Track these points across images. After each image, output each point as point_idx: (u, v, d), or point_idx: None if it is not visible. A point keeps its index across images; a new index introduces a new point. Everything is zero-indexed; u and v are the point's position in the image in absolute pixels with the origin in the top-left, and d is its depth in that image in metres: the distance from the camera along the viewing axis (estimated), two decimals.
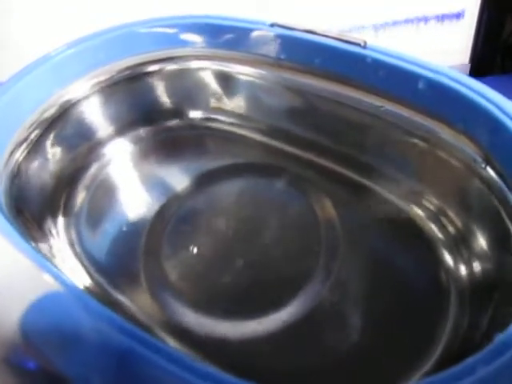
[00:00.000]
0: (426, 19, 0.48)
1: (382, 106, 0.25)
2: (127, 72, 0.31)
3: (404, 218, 0.26)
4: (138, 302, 0.24)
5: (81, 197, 0.28)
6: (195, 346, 0.22)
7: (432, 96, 0.23)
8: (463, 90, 0.22)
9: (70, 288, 0.15)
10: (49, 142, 0.28)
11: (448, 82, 0.23)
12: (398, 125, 0.25)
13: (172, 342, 0.22)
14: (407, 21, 0.48)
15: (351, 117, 0.27)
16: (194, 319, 0.23)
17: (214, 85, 0.32)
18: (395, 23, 0.48)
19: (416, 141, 0.25)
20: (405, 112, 0.25)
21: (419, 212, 0.26)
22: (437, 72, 0.23)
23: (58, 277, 0.16)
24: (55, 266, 0.24)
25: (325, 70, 0.27)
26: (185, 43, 0.31)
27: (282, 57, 0.28)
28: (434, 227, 0.25)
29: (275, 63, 0.29)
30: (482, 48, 0.50)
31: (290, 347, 0.22)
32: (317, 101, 0.29)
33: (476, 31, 0.50)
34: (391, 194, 0.27)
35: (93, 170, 0.30)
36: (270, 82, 0.30)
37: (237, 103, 0.32)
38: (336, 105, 0.28)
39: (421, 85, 0.23)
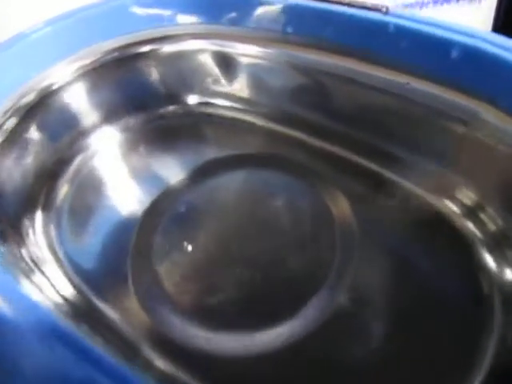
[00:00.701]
0: (442, 1, 0.45)
1: (407, 83, 0.22)
2: (115, 54, 0.28)
3: (434, 214, 0.22)
4: (126, 313, 0.21)
5: (62, 192, 0.26)
6: (190, 364, 0.19)
7: (469, 67, 0.20)
8: (509, 57, 0.18)
9: (19, 305, 0.12)
10: (27, 132, 0.25)
11: (489, 47, 0.19)
12: (427, 105, 0.21)
13: (163, 360, 0.19)
14: (423, 3, 0.45)
15: (370, 97, 0.24)
16: (189, 332, 0.20)
17: (212, 67, 0.29)
18: (410, 5, 0.44)
19: (450, 124, 0.21)
20: (436, 89, 0.21)
21: (453, 208, 0.22)
22: (474, 36, 0.19)
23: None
24: (26, 273, 0.20)
25: (338, 44, 0.24)
26: (180, 20, 0.28)
27: (289, 30, 0.25)
28: (470, 225, 0.22)
29: (281, 39, 0.26)
30: (501, 30, 0.47)
31: (300, 364, 0.19)
32: (329, 80, 0.25)
33: (496, 13, 0.46)
34: (418, 188, 0.23)
35: (77, 162, 0.27)
36: (275, 61, 0.27)
37: (238, 86, 0.28)
38: (351, 84, 0.24)
39: (455, 54, 0.20)
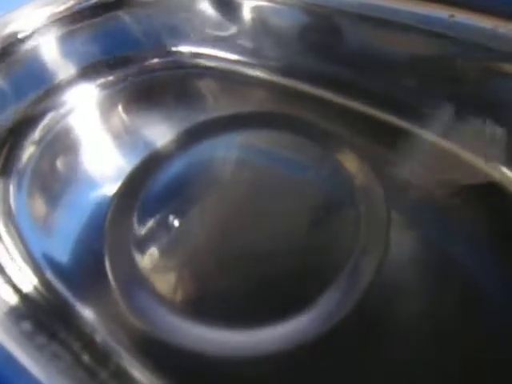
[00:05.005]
0: None
1: (451, 16, 0.17)
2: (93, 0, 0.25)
3: (483, 181, 0.18)
4: (105, 312, 0.18)
5: (27, 154, 0.22)
6: (182, 371, 0.16)
7: None
8: None
9: None
10: None
11: None
12: (478, 43, 0.17)
13: (149, 367, 0.16)
14: None
15: (400, 39, 0.20)
16: (180, 332, 0.17)
17: (209, 10, 0.25)
18: None
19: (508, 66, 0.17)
20: (490, 22, 0.17)
21: (508, 173, 0.18)
22: None
23: None
24: None
25: None
26: None
27: None
28: None
29: None
30: None
31: (311, 370, 0.15)
32: (348, 22, 0.21)
33: None
34: (463, 150, 0.18)
35: (46, 120, 0.23)
36: (283, 1, 0.22)
37: (239, 32, 0.25)
38: (376, 25, 0.20)
39: None
